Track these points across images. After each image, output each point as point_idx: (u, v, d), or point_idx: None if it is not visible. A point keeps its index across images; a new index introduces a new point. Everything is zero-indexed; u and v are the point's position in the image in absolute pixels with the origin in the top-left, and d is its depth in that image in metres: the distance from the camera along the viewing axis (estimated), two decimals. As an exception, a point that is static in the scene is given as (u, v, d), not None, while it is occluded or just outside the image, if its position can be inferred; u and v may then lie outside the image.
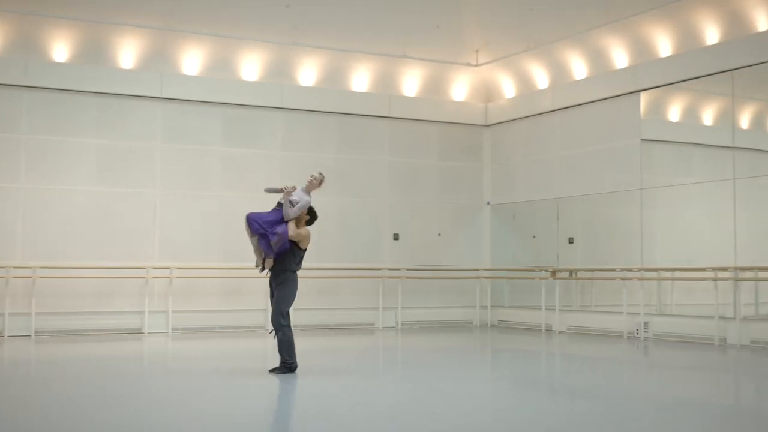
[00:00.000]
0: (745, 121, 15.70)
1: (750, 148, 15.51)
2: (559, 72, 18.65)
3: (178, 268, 16.89)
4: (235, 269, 16.80)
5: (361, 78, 19.12)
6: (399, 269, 18.80)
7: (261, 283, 17.51)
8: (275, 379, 10.12)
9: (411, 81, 19.65)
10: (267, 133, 18.18)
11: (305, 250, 10.66)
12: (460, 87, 20.19)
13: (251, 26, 17.46)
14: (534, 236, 19.52)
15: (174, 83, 17.32)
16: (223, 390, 9.44)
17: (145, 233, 16.97)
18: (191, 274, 17.00)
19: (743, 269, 14.73)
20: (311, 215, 10.72)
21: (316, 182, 10.76)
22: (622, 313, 16.21)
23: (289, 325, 10.45)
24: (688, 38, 15.97)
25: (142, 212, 17.00)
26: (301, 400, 9.20)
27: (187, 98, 17.43)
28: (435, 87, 19.97)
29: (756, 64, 14.76)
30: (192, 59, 17.58)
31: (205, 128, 17.61)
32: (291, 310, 10.55)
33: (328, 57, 18.67)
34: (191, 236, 17.30)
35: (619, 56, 17.27)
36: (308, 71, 18.61)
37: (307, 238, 10.62)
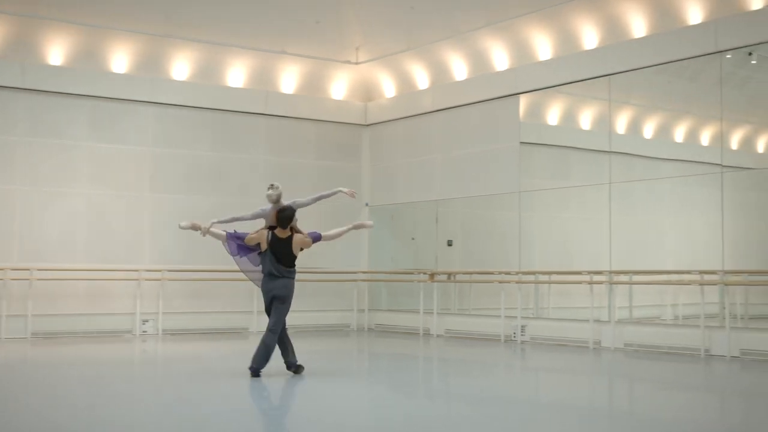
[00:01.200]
0: (621, 125, 16.39)
1: (625, 153, 16.18)
2: (439, 72, 19.02)
3: (39, 270, 16.51)
4: (103, 270, 16.55)
5: (237, 73, 19.07)
6: (274, 272, 18.76)
7: (128, 286, 17.28)
8: (126, 387, 10.04)
9: (289, 78, 19.70)
10: (136, 128, 17.92)
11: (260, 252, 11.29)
12: (340, 85, 20.36)
13: (121, 17, 17.22)
14: (413, 238, 19.84)
15: (35, 73, 16.92)
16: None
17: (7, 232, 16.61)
18: (53, 276, 16.65)
19: (618, 273, 15.37)
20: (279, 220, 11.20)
21: (271, 197, 11.38)
22: (499, 316, 16.65)
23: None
24: (568, 42, 16.57)
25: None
26: (179, 408, 9.17)
27: (50, 90, 17.05)
28: (314, 84, 20.06)
29: (632, 70, 15.45)
30: (56, 50, 17.18)
31: (70, 122, 17.26)
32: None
33: (203, 51, 18.54)
34: (56, 235, 16.95)
35: (500, 58, 17.76)
36: (181, 65, 18.45)
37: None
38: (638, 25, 15.52)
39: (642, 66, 15.33)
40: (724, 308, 14.07)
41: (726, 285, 14.02)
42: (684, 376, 12.10)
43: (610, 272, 15.32)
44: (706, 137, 15.71)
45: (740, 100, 15.07)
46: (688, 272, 14.62)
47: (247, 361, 11.06)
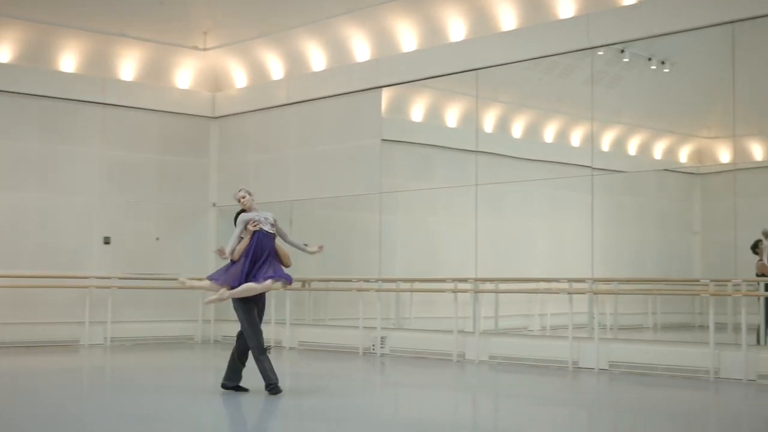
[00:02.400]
0: (488, 123, 16.46)
1: (493, 153, 16.27)
2: (295, 62, 18.75)
3: None
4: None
5: (69, 57, 18.29)
6: (110, 278, 18.11)
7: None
8: None
9: (129, 64, 19.05)
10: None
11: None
12: (185, 73, 19.83)
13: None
14: (265, 242, 19.44)
15: None
16: None
17: None
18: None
19: (483, 280, 15.40)
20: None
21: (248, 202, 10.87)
22: (357, 327, 16.48)
23: None
24: (434, 33, 16.55)
25: None
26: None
27: None
28: (157, 72, 19.47)
29: (501, 65, 15.53)
30: None
31: None
32: None
33: (30, 30, 17.69)
34: None
35: (361, 48, 17.61)
36: (3, 46, 17.54)
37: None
38: (508, 18, 15.61)
39: (511, 61, 15.44)
40: (593, 318, 14.25)
41: (595, 294, 14.20)
42: (551, 390, 12.18)
43: (476, 280, 15.35)
44: (576, 138, 15.94)
45: (612, 99, 15.34)
46: (557, 280, 14.77)
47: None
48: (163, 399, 10.75)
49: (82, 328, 17.68)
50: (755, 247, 13.27)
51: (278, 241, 10.92)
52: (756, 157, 14.76)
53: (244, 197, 10.84)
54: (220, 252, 10.74)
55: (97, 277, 18.03)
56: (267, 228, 10.68)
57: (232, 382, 10.95)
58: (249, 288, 10.42)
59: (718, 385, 12.11)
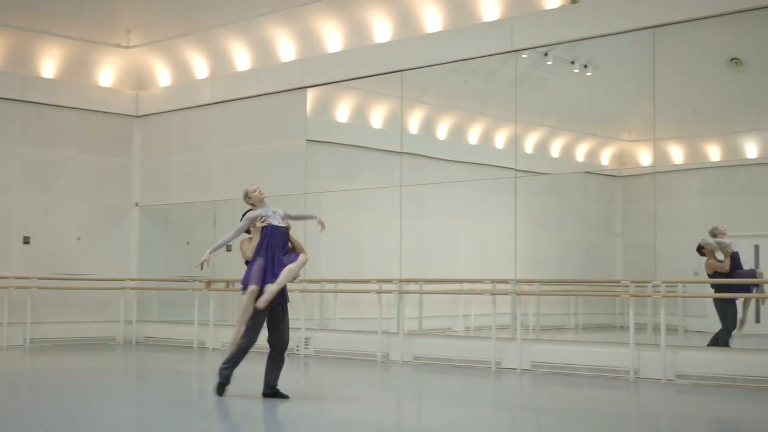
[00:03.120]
0: (413, 125, 16.46)
1: (418, 154, 16.28)
2: (220, 61, 18.55)
3: None
4: None
5: (-13, 53, 17.93)
6: (29, 278, 17.71)
7: None
8: None
9: (50, 61, 18.66)
10: None
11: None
12: (108, 71, 19.48)
13: None
14: (188, 243, 19.25)
15: None
16: None
17: None
18: None
19: (408, 281, 15.39)
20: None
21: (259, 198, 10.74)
22: (281, 328, 16.31)
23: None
24: (359, 34, 16.49)
25: None
26: None
27: None
28: (78, 70, 19.10)
29: (426, 66, 15.54)
30: None
31: None
32: None
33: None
34: None
35: (286, 48, 17.48)
36: None
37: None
38: (433, 20, 15.62)
39: (436, 62, 15.46)
40: (516, 319, 14.32)
41: (518, 295, 14.28)
42: (474, 390, 12.20)
43: (400, 281, 15.32)
44: (500, 140, 16.02)
45: (535, 102, 15.44)
46: (480, 281, 14.81)
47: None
48: (79, 402, 10.52)
49: (0, 329, 17.27)
50: (701, 249, 13.25)
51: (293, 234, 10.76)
52: (675, 160, 14.99)
53: (256, 190, 10.63)
54: (202, 265, 10.51)
55: (16, 278, 17.62)
56: (277, 222, 10.44)
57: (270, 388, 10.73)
58: (286, 275, 10.24)
59: (638, 385, 12.24)
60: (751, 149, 14.74)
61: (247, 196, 10.75)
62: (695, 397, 11.27)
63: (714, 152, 15.18)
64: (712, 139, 15.03)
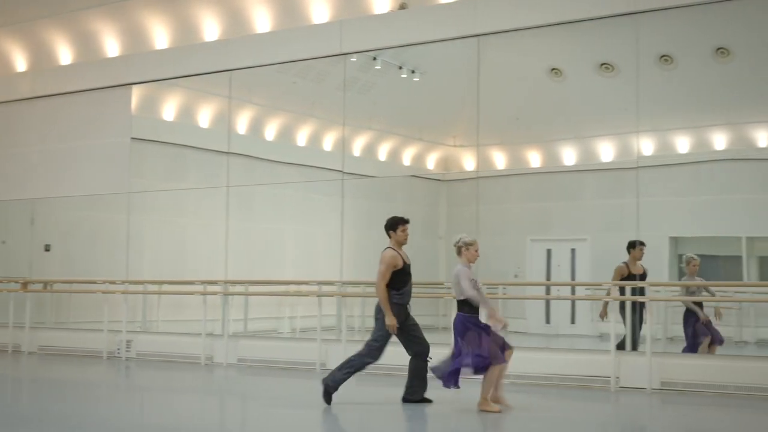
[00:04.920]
0: (242, 125, 16.31)
1: (246, 155, 16.15)
2: (40, 54, 17.92)
3: None
4: None
5: None
6: None
7: None
8: None
9: None
10: None
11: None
12: None
13: None
14: (3, 242, 18.56)
15: None
16: None
17: None
18: None
19: (233, 283, 15.23)
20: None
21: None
22: (102, 330, 15.89)
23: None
24: (188, 32, 16.22)
25: None
26: None
27: None
28: None
29: (255, 67, 15.42)
30: None
31: None
32: None
33: None
34: None
35: (111, 44, 17.03)
36: None
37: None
38: (263, 20, 15.51)
39: (265, 63, 15.36)
40: (341, 321, 14.37)
41: (343, 297, 14.32)
42: (298, 392, 12.16)
43: (225, 282, 15.15)
44: (328, 142, 16.05)
45: (364, 105, 15.55)
46: (306, 283, 14.79)
47: None
48: None
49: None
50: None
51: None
52: (497, 166, 15.40)
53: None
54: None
55: None
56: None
57: (416, 395, 10.33)
58: None
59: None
60: (569, 156, 15.29)
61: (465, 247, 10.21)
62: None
63: (534, 159, 15.68)
64: (532, 146, 15.52)
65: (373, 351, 10.16)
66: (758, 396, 10.85)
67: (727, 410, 10.37)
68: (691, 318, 12.24)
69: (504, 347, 9.83)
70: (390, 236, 10.33)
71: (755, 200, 13.62)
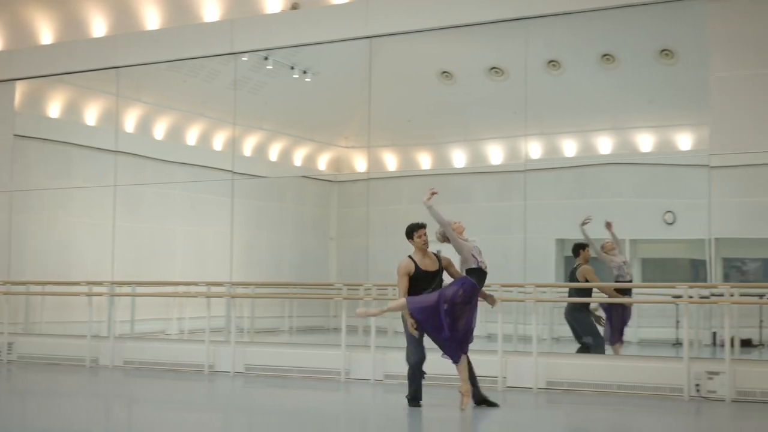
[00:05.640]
0: (130, 123, 16.02)
1: (134, 154, 15.88)
2: None
3: None
4: None
5: None
6: None
7: None
8: None
9: None
10: None
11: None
12: None
13: None
14: None
15: None
16: None
17: None
18: None
19: (120, 284, 14.94)
20: None
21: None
22: (-18, 333, 15.44)
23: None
24: (73, 27, 15.88)
25: None
26: None
27: None
28: None
29: (143, 64, 15.18)
30: None
31: None
32: None
33: None
34: None
35: (-6, 38, 16.60)
36: None
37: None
38: (151, 17, 15.27)
39: (154, 61, 15.14)
40: (230, 322, 14.22)
41: (233, 298, 14.19)
42: (186, 394, 12.02)
43: (112, 283, 14.86)
44: (219, 142, 15.88)
45: (255, 105, 15.44)
46: (195, 284, 14.60)
47: None
48: None
49: None
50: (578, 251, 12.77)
51: None
52: (388, 167, 15.46)
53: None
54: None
55: None
56: None
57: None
58: None
59: (349, 386, 12.47)
60: (459, 159, 15.42)
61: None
62: (395, 395, 11.61)
63: (425, 160, 15.78)
64: (423, 148, 15.62)
65: (409, 355, 10.17)
66: (639, 395, 11.13)
67: (609, 409, 10.61)
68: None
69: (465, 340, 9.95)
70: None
71: (638, 203, 13.94)
